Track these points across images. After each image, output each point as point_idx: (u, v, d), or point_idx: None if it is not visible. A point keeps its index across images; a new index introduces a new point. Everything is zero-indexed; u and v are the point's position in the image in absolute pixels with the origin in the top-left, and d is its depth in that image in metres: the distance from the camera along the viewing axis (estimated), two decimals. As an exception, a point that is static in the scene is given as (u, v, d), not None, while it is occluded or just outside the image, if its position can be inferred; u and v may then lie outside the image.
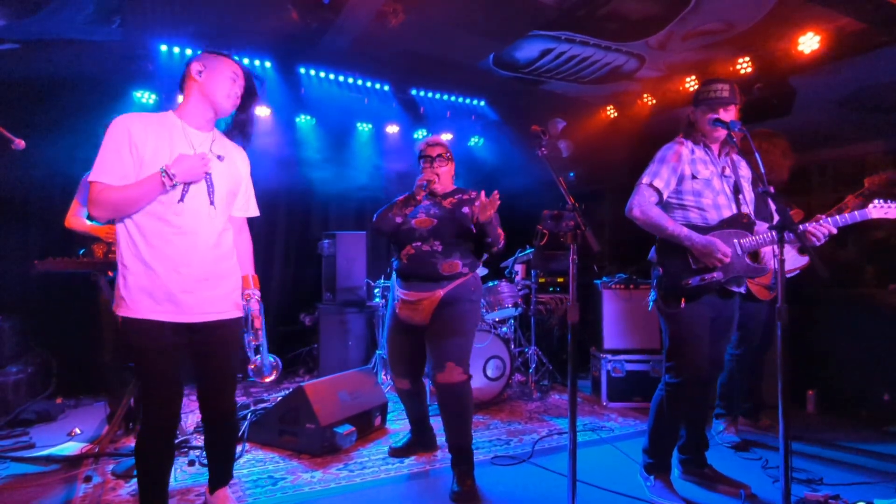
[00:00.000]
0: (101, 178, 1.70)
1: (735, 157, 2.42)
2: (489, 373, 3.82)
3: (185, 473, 2.65)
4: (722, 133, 2.30)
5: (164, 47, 4.00)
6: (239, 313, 1.96)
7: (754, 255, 2.33)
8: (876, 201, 2.34)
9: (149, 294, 1.75)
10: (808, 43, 3.81)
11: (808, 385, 3.74)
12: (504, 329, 4.19)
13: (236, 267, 2.00)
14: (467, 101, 5.36)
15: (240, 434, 3.00)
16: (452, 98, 5.29)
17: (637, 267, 4.33)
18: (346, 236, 4.74)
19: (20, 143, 2.35)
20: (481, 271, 4.31)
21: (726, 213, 2.31)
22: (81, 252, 2.96)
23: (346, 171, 5.27)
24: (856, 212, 2.34)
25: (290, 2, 3.55)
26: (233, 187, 1.96)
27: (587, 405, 3.92)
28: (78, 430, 3.22)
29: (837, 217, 2.31)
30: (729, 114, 2.28)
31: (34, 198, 4.06)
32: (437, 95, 5.22)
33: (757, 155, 2.07)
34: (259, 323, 1.98)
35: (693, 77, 4.63)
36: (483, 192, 2.52)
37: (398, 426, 3.38)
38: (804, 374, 3.77)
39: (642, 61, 4.47)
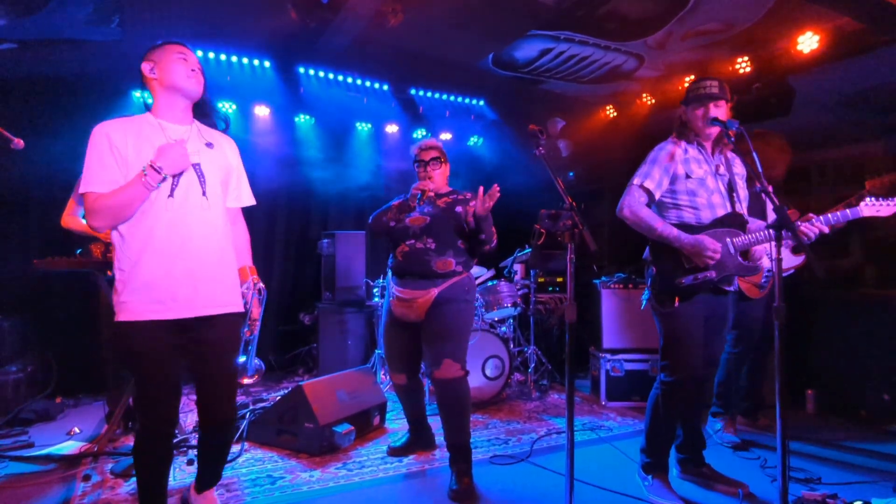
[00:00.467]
0: (91, 188, 1.70)
1: (730, 154, 2.41)
2: (488, 372, 3.83)
3: (185, 472, 2.65)
4: (715, 131, 2.30)
5: (163, 45, 3.99)
6: (240, 308, 1.92)
7: (745, 253, 2.33)
8: (868, 199, 2.33)
9: (145, 294, 1.72)
10: (808, 42, 3.81)
11: (808, 385, 3.74)
12: (503, 328, 4.20)
13: (244, 256, 1.98)
14: (466, 100, 5.36)
15: (239, 433, 3.00)
16: (451, 98, 5.29)
17: (636, 266, 4.32)
18: (346, 236, 4.74)
19: (19, 143, 2.36)
20: (486, 273, 4.33)
21: (720, 212, 2.30)
22: (79, 252, 2.96)
23: (346, 170, 5.27)
24: (847, 210, 2.33)
25: (288, 1, 3.55)
26: (224, 176, 1.92)
27: (586, 404, 3.92)
28: (77, 430, 3.22)
29: (829, 216, 2.29)
30: (720, 110, 2.28)
31: (34, 197, 4.06)
32: (437, 95, 5.22)
33: (754, 153, 2.07)
34: (256, 314, 1.93)
35: (692, 77, 4.63)
36: (482, 188, 2.53)
37: (397, 425, 3.39)
38: (803, 374, 3.77)
39: (641, 61, 4.47)
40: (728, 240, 2.26)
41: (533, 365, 4.27)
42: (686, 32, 3.95)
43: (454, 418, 2.54)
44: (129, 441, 3.03)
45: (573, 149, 5.78)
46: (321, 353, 4.53)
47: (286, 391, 3.11)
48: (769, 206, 1.96)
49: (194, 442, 2.97)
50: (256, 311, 1.95)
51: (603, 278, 4.10)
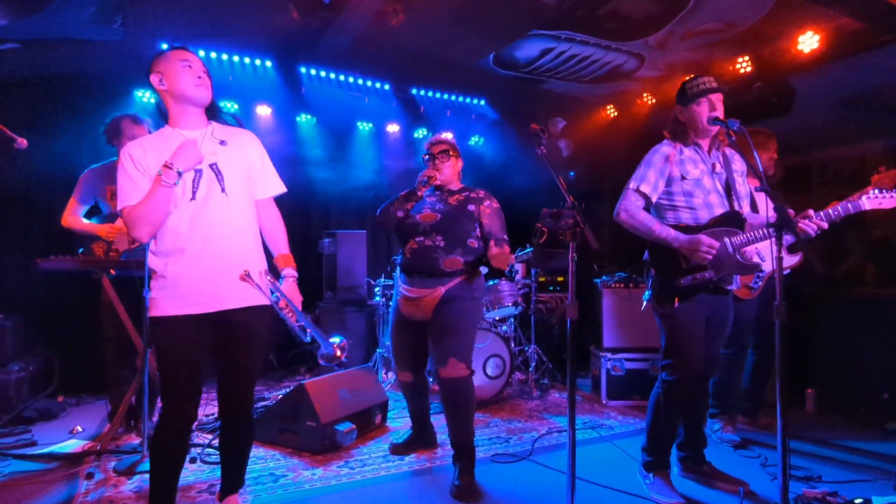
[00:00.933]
0: (124, 202, 1.78)
1: (728, 151, 2.40)
2: (489, 371, 3.83)
3: (187, 470, 2.65)
4: (712, 129, 2.30)
5: (165, 46, 3.98)
6: (264, 301, 1.93)
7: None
8: (871, 192, 2.29)
9: (171, 291, 1.80)
10: (808, 42, 3.81)
11: (808, 383, 3.75)
12: (504, 328, 4.21)
13: (260, 253, 1.99)
14: (467, 100, 5.38)
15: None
16: (452, 97, 5.31)
17: (637, 266, 4.33)
18: (347, 235, 4.75)
19: (22, 143, 2.37)
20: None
21: (718, 212, 2.31)
22: (80, 251, 2.97)
23: (347, 170, 5.28)
24: (848, 204, 2.27)
25: (290, 1, 3.56)
26: (244, 170, 1.95)
27: (587, 403, 3.93)
28: (79, 428, 3.23)
29: (830, 210, 2.25)
30: (719, 101, 2.28)
31: (36, 196, 4.07)
32: (438, 95, 5.23)
33: (755, 153, 2.07)
34: (283, 302, 1.93)
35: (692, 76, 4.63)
36: (492, 243, 2.62)
37: (399, 424, 3.40)
38: (803, 373, 3.78)
39: (642, 60, 4.48)
40: (726, 239, 2.26)
41: (534, 364, 4.28)
42: (686, 32, 3.96)
43: (459, 417, 2.55)
44: (132, 439, 3.04)
45: (574, 148, 5.78)
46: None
47: (288, 390, 3.12)
48: (769, 205, 1.96)
49: (197, 440, 2.98)
50: (283, 301, 1.94)
51: (604, 277, 4.11)
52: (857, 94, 4.39)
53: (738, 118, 2.20)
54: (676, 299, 2.26)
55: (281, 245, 2.07)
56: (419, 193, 2.63)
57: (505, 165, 5.70)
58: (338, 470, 2.69)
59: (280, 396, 3.13)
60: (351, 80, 4.79)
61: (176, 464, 1.89)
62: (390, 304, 3.76)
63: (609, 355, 3.87)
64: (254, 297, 1.91)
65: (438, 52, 4.41)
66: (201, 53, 4.20)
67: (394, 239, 3.22)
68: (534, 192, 4.66)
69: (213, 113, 1.96)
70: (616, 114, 5.43)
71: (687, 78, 2.37)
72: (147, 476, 2.52)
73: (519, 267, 4.58)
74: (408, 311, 2.69)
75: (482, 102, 5.42)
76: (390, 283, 4.33)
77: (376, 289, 4.42)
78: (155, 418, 3.35)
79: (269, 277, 1.95)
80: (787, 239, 2.83)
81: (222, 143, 1.92)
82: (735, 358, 3.10)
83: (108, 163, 3.14)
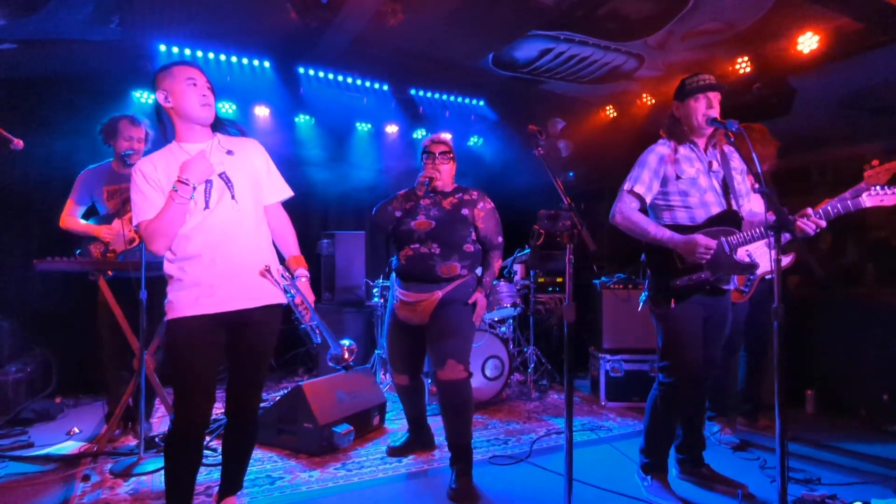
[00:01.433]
0: (140, 218, 1.84)
1: (726, 149, 2.38)
2: (487, 373, 3.82)
3: (184, 473, 2.65)
4: (708, 129, 2.28)
5: (163, 47, 4.00)
6: (277, 300, 1.98)
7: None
8: (873, 189, 2.24)
9: (188, 294, 1.84)
10: (808, 42, 3.80)
11: (807, 385, 3.74)
12: (503, 329, 4.19)
13: (272, 255, 2.04)
14: (466, 100, 5.37)
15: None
16: (451, 98, 5.30)
17: (636, 267, 4.32)
18: (345, 236, 4.74)
19: (18, 143, 2.36)
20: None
21: (715, 211, 2.28)
22: (78, 252, 2.97)
23: (346, 170, 5.27)
24: (848, 201, 2.23)
25: (288, 1, 3.55)
26: (252, 178, 2.00)
27: (586, 405, 3.92)
28: (77, 430, 3.22)
29: (828, 207, 2.21)
30: (716, 100, 2.27)
31: (34, 198, 4.07)
32: (437, 95, 5.22)
33: (754, 154, 2.05)
34: (299, 299, 1.98)
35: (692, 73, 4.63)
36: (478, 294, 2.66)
37: (396, 426, 3.39)
38: (803, 375, 3.77)
39: (641, 61, 4.47)
40: (723, 238, 2.24)
41: (532, 365, 4.27)
42: (686, 32, 3.95)
43: (456, 419, 2.54)
44: (129, 441, 3.03)
45: (573, 149, 5.77)
46: (321, 353, 4.53)
47: (286, 391, 3.11)
48: (771, 208, 1.94)
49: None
50: (299, 298, 1.98)
51: (603, 279, 4.10)
52: (857, 95, 4.38)
53: (738, 118, 2.19)
54: (673, 300, 2.25)
55: (292, 247, 2.11)
56: (419, 193, 2.61)
57: (504, 166, 5.69)
58: (335, 472, 2.68)
59: (278, 398, 3.12)
60: (349, 80, 4.78)
61: (193, 467, 1.91)
62: (388, 305, 3.76)
63: (608, 357, 3.86)
64: (268, 296, 1.96)
65: (437, 53, 4.40)
66: (199, 54, 4.19)
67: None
68: (533, 192, 4.65)
69: (216, 125, 2.01)
70: (615, 114, 5.42)
71: (685, 77, 2.35)
72: (143, 478, 2.55)
73: (518, 268, 4.57)
74: (405, 315, 2.68)
75: (481, 103, 5.41)
76: (388, 284, 4.31)
77: (374, 290, 4.42)
78: (153, 419, 3.35)
79: (287, 274, 2.00)
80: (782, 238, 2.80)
81: (229, 152, 1.98)
82: (726, 361, 3.09)
83: (105, 163, 3.13)
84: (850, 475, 2.65)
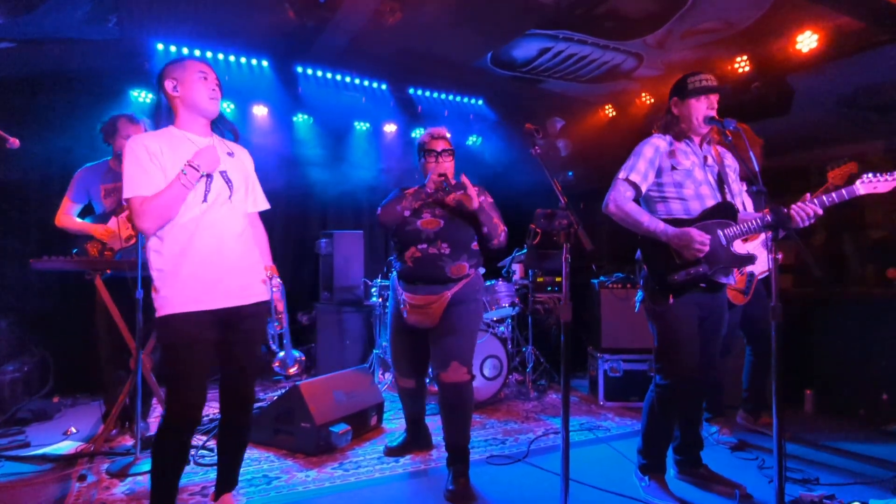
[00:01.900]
0: (135, 192, 1.80)
1: (720, 148, 2.38)
2: (486, 372, 3.82)
3: (180, 472, 2.64)
4: (706, 128, 2.27)
5: (160, 46, 4.00)
6: (266, 297, 2.04)
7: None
8: (865, 176, 2.21)
9: (185, 289, 1.84)
10: (807, 42, 3.80)
11: (806, 384, 3.73)
12: (501, 328, 4.19)
13: (259, 258, 2.10)
14: (465, 100, 5.36)
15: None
16: (450, 97, 5.29)
17: (634, 266, 4.33)
18: (344, 235, 4.73)
19: (14, 142, 2.35)
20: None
21: (710, 203, 2.27)
22: (75, 251, 2.96)
23: (344, 170, 5.26)
24: (843, 190, 2.20)
25: (286, 1, 3.54)
26: (245, 183, 2.07)
27: (584, 405, 3.91)
28: (74, 429, 3.21)
29: (824, 197, 2.18)
30: (715, 100, 2.27)
31: (31, 197, 4.06)
32: (435, 94, 5.22)
33: (751, 153, 2.05)
34: (282, 307, 2.07)
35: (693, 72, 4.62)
36: (465, 178, 2.49)
37: (394, 425, 3.38)
38: (802, 374, 3.76)
39: (640, 60, 4.46)
40: (719, 231, 2.22)
41: (531, 365, 4.26)
42: (685, 31, 3.94)
43: (456, 421, 2.52)
44: (126, 441, 3.02)
45: (572, 148, 5.77)
46: (319, 352, 4.52)
47: (284, 391, 3.10)
48: (767, 207, 1.94)
49: (192, 442, 2.96)
50: (281, 305, 2.08)
51: (601, 278, 4.09)
52: (856, 94, 4.37)
53: (737, 118, 2.19)
54: (671, 297, 2.23)
55: (266, 256, 2.18)
56: (432, 191, 2.54)
57: (503, 165, 5.68)
58: (332, 472, 2.68)
59: (275, 397, 3.12)
60: (348, 79, 4.78)
61: (179, 464, 1.92)
62: (387, 305, 3.74)
63: (606, 356, 3.85)
64: (258, 294, 2.02)
65: (436, 52, 4.40)
66: (196, 53, 4.18)
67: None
68: (533, 192, 4.65)
69: (215, 124, 2.04)
70: (615, 113, 5.42)
71: (685, 74, 2.34)
72: (139, 478, 2.55)
73: (516, 267, 4.57)
74: (415, 319, 2.60)
75: (480, 102, 5.40)
76: (387, 283, 4.31)
77: (373, 289, 4.41)
78: (150, 419, 3.34)
79: (276, 280, 2.08)
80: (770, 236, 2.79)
81: (230, 154, 2.03)
82: (722, 361, 3.07)
83: (102, 162, 3.12)
84: (849, 475, 2.64)
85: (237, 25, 3.89)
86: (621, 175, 2.29)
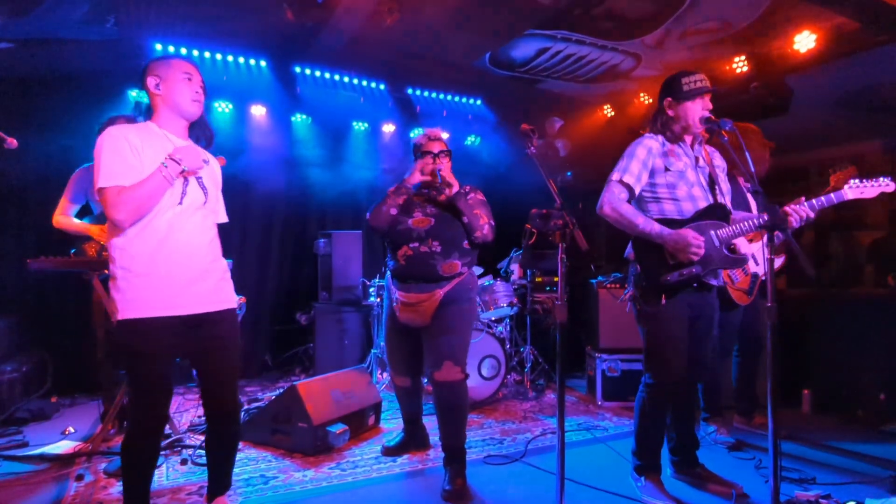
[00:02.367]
0: (111, 181, 1.73)
1: (709, 148, 2.39)
2: (484, 372, 3.82)
3: (178, 472, 2.65)
4: (700, 128, 2.28)
5: (158, 46, 4.00)
6: (235, 305, 2.02)
7: (730, 248, 2.31)
8: (851, 181, 2.32)
9: (154, 293, 1.78)
10: (805, 42, 3.79)
11: (804, 384, 3.73)
12: (500, 328, 4.19)
13: (226, 265, 2.07)
14: (463, 100, 5.36)
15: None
16: (448, 97, 5.29)
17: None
18: (343, 235, 4.73)
19: (12, 143, 2.35)
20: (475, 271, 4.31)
21: (702, 205, 2.27)
22: (73, 251, 2.96)
23: (343, 170, 5.26)
24: (832, 194, 2.32)
25: (284, 1, 3.54)
26: (216, 191, 2.04)
27: (582, 404, 3.91)
28: (72, 429, 3.22)
29: (814, 201, 2.28)
30: (709, 102, 2.27)
31: (29, 197, 4.06)
32: (434, 94, 5.22)
33: (747, 153, 2.05)
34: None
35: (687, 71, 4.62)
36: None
37: (392, 425, 3.38)
38: (799, 374, 3.76)
39: (638, 60, 4.46)
40: (712, 232, 2.23)
41: (529, 364, 4.27)
42: (683, 31, 3.94)
43: (451, 421, 2.52)
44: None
45: (571, 148, 5.77)
46: (318, 352, 4.53)
47: (281, 390, 3.11)
48: (763, 206, 1.94)
49: (188, 442, 2.97)
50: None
51: (599, 278, 4.09)
52: (855, 94, 4.37)
53: (735, 118, 2.19)
54: (663, 297, 2.23)
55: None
56: (438, 189, 2.57)
57: (502, 165, 5.68)
58: (329, 471, 2.68)
59: (273, 397, 3.12)
60: (346, 79, 4.78)
61: (149, 468, 1.88)
62: (384, 306, 3.74)
63: (604, 356, 3.85)
64: (227, 301, 1.99)
65: (434, 52, 4.40)
66: (195, 53, 4.19)
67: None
68: (531, 192, 4.65)
69: (193, 127, 1.99)
70: (613, 113, 5.42)
71: (678, 73, 2.34)
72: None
73: (514, 267, 4.57)
74: (407, 317, 2.62)
75: (478, 102, 5.41)
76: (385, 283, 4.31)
77: (371, 289, 4.42)
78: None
79: (240, 301, 2.07)
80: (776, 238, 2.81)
81: (205, 161, 1.99)
82: (721, 361, 3.08)
83: None
84: (846, 475, 2.64)
85: (235, 25, 3.89)
86: (614, 177, 2.29)
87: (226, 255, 2.11)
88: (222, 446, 2.06)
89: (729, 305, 2.94)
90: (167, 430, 3.04)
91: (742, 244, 2.65)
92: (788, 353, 3.69)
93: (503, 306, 4.02)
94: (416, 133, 5.49)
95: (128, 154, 1.75)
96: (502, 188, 4.95)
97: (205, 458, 2.70)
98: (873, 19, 3.45)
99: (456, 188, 2.55)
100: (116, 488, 2.46)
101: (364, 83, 4.86)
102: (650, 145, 2.29)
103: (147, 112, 1.93)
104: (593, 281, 4.08)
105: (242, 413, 3.24)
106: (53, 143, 3.85)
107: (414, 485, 2.57)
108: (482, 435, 3.24)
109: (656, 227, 2.21)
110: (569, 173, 5.99)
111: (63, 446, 2.95)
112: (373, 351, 4.32)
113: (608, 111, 5.43)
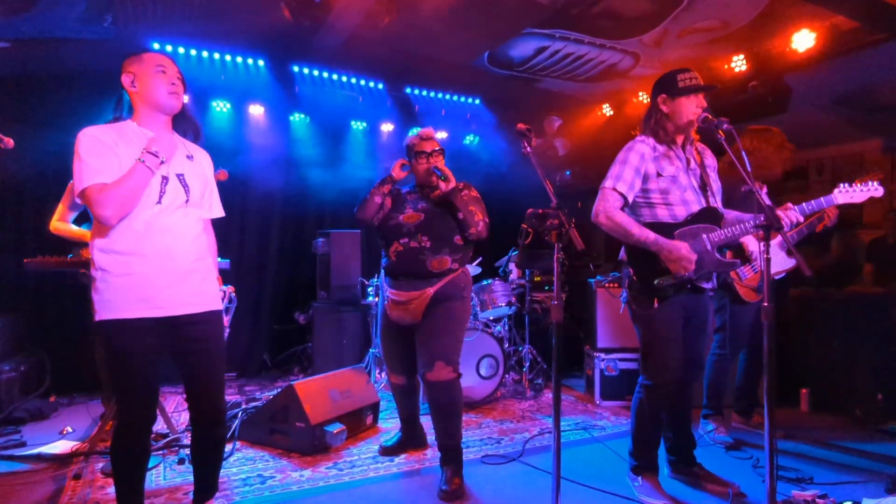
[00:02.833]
0: (93, 180, 1.70)
1: (700, 146, 2.38)
2: (482, 371, 3.82)
3: (175, 472, 2.66)
4: (694, 126, 2.27)
5: (156, 45, 3.99)
6: (220, 307, 1.98)
7: (739, 249, 2.31)
8: (841, 185, 2.36)
9: (132, 293, 1.75)
10: (803, 40, 3.79)
11: (802, 384, 3.73)
12: (498, 328, 4.19)
13: (213, 263, 2.03)
14: (462, 99, 5.36)
15: (231, 432, 3.00)
16: (447, 96, 5.29)
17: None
18: (341, 235, 4.73)
19: (9, 143, 2.35)
20: (473, 270, 4.30)
21: (695, 208, 2.27)
22: (70, 256, 2.96)
23: (341, 169, 5.26)
24: (822, 198, 2.35)
25: (282, 0, 3.54)
26: (203, 187, 1.98)
27: (580, 404, 3.91)
28: (69, 429, 3.22)
29: (804, 205, 2.30)
30: (703, 100, 2.26)
31: (27, 196, 4.06)
32: (432, 94, 5.21)
33: (744, 153, 2.04)
34: (226, 321, 2.02)
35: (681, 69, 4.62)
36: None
37: (390, 425, 3.38)
38: (798, 373, 3.76)
39: (637, 59, 4.45)
40: (704, 236, 2.22)
41: (528, 364, 4.26)
42: (682, 30, 3.94)
43: (445, 420, 2.52)
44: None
45: (570, 147, 5.76)
46: (316, 352, 4.53)
47: (279, 390, 3.10)
48: (758, 206, 1.94)
49: (185, 441, 2.97)
50: (226, 319, 2.03)
51: (598, 277, 4.09)
52: (854, 93, 4.36)
53: (734, 117, 2.19)
54: (656, 300, 2.23)
55: (215, 266, 2.11)
56: (434, 183, 2.58)
57: (500, 164, 5.68)
58: (326, 471, 2.68)
59: (271, 397, 3.12)
60: (344, 79, 4.78)
61: (139, 467, 1.87)
62: (379, 305, 3.74)
63: (602, 355, 3.85)
64: (211, 303, 1.94)
65: (432, 51, 4.39)
66: (192, 52, 4.18)
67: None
68: (530, 191, 4.64)
69: (177, 123, 1.96)
70: (612, 112, 5.41)
71: (671, 71, 2.33)
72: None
73: (513, 267, 4.56)
74: (397, 315, 2.63)
75: (477, 102, 5.40)
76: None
77: (370, 288, 4.41)
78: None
79: (228, 291, 2.01)
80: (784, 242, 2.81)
81: (189, 157, 1.94)
82: (727, 359, 3.08)
83: None
84: (843, 474, 2.64)
85: (233, 25, 3.89)
86: (608, 184, 2.27)
87: (224, 254, 2.10)
88: (206, 451, 2.02)
89: (738, 301, 2.94)
90: (165, 429, 3.04)
91: (751, 242, 2.65)
92: (787, 352, 3.69)
93: (501, 306, 4.02)
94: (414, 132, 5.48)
95: (103, 151, 1.73)
96: (501, 187, 4.94)
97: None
98: (872, 18, 3.44)
99: (453, 183, 2.55)
100: (113, 488, 2.45)
101: (362, 82, 4.86)
102: (642, 151, 2.28)
103: (130, 111, 1.89)
104: (591, 280, 4.08)
105: (241, 412, 3.25)
106: (50, 143, 3.84)
107: (411, 484, 2.57)
108: (480, 434, 3.24)
109: (651, 236, 2.20)
110: (567, 172, 5.99)
111: (61, 446, 2.95)
112: (371, 350, 4.32)
113: (607, 110, 5.42)
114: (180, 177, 1.88)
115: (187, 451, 2.82)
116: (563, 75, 4.77)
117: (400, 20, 3.71)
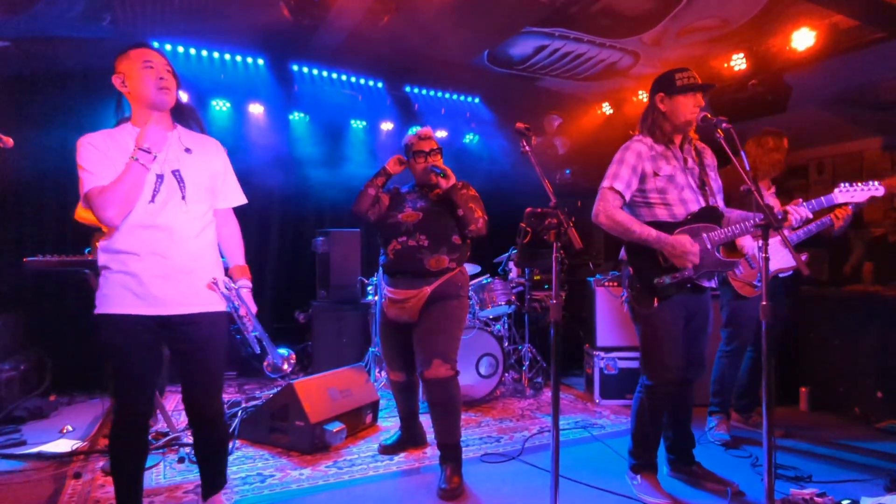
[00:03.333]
0: (94, 183, 1.72)
1: (699, 145, 2.38)
2: (482, 370, 3.82)
3: (174, 470, 2.66)
4: (692, 124, 2.27)
5: (155, 44, 3.99)
6: (221, 307, 1.93)
7: (732, 247, 2.31)
8: (841, 185, 2.39)
9: (127, 289, 1.76)
10: (803, 39, 3.79)
11: (801, 382, 3.73)
12: (498, 326, 4.19)
13: (219, 260, 1.99)
14: (462, 98, 5.36)
15: (230, 431, 3.00)
16: (447, 95, 5.29)
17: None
18: (341, 234, 4.73)
19: (8, 142, 2.34)
20: (472, 269, 4.31)
21: (693, 208, 2.27)
22: (87, 251, 2.96)
23: (341, 168, 5.26)
24: (823, 197, 2.38)
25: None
26: (208, 179, 1.93)
27: (580, 402, 3.92)
28: (69, 428, 3.22)
29: (813, 202, 2.35)
30: (701, 99, 2.26)
31: (27, 195, 4.06)
32: (432, 92, 5.21)
33: (743, 153, 2.04)
34: (244, 311, 1.94)
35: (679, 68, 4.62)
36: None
37: (389, 423, 3.39)
38: (797, 372, 3.77)
39: (637, 58, 4.45)
40: (704, 235, 2.22)
41: (527, 363, 4.27)
42: (681, 29, 3.94)
43: (444, 418, 2.52)
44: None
45: (570, 146, 5.76)
46: (316, 351, 4.53)
47: (279, 389, 3.11)
48: (756, 206, 1.94)
49: (185, 440, 2.98)
50: (243, 309, 1.95)
51: (597, 276, 4.09)
52: (854, 91, 4.37)
53: (734, 116, 2.19)
54: (656, 300, 2.23)
55: (238, 256, 2.06)
56: (434, 182, 2.59)
57: (500, 163, 5.67)
58: (326, 470, 2.68)
59: (271, 395, 3.12)
60: (344, 77, 4.78)
61: (137, 463, 1.86)
62: (377, 303, 3.75)
63: (602, 354, 3.86)
64: (210, 303, 1.90)
65: (432, 50, 4.39)
66: (192, 52, 4.18)
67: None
68: (530, 189, 4.64)
69: (178, 114, 1.94)
70: (611, 111, 5.41)
71: (667, 71, 2.33)
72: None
73: (512, 265, 4.56)
74: (394, 313, 2.64)
75: (477, 100, 5.40)
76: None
77: (369, 287, 4.41)
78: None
79: (233, 286, 1.95)
80: (793, 238, 2.82)
81: (187, 150, 1.89)
82: (735, 355, 3.07)
83: None
84: (842, 472, 2.65)
85: (232, 23, 3.89)
86: (606, 184, 2.27)
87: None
88: (207, 451, 2.02)
89: (737, 296, 2.95)
90: (165, 428, 3.04)
91: (747, 240, 2.66)
92: (786, 350, 3.69)
93: (501, 304, 4.02)
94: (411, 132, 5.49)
95: (98, 155, 1.74)
96: (501, 186, 4.94)
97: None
98: (871, 17, 3.44)
99: (453, 179, 2.55)
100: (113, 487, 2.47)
101: (362, 81, 4.86)
102: (639, 150, 2.28)
103: (128, 113, 1.88)
104: (591, 279, 4.08)
105: (240, 411, 3.25)
106: (50, 141, 3.84)
107: (410, 483, 2.58)
108: (479, 433, 3.25)
109: (653, 233, 2.20)
110: (567, 171, 5.99)
111: (61, 445, 2.95)
112: (371, 349, 4.33)
113: (606, 109, 5.42)
114: (176, 173, 1.84)
115: (187, 449, 2.83)
116: (563, 74, 4.77)
117: (399, 18, 3.72)
